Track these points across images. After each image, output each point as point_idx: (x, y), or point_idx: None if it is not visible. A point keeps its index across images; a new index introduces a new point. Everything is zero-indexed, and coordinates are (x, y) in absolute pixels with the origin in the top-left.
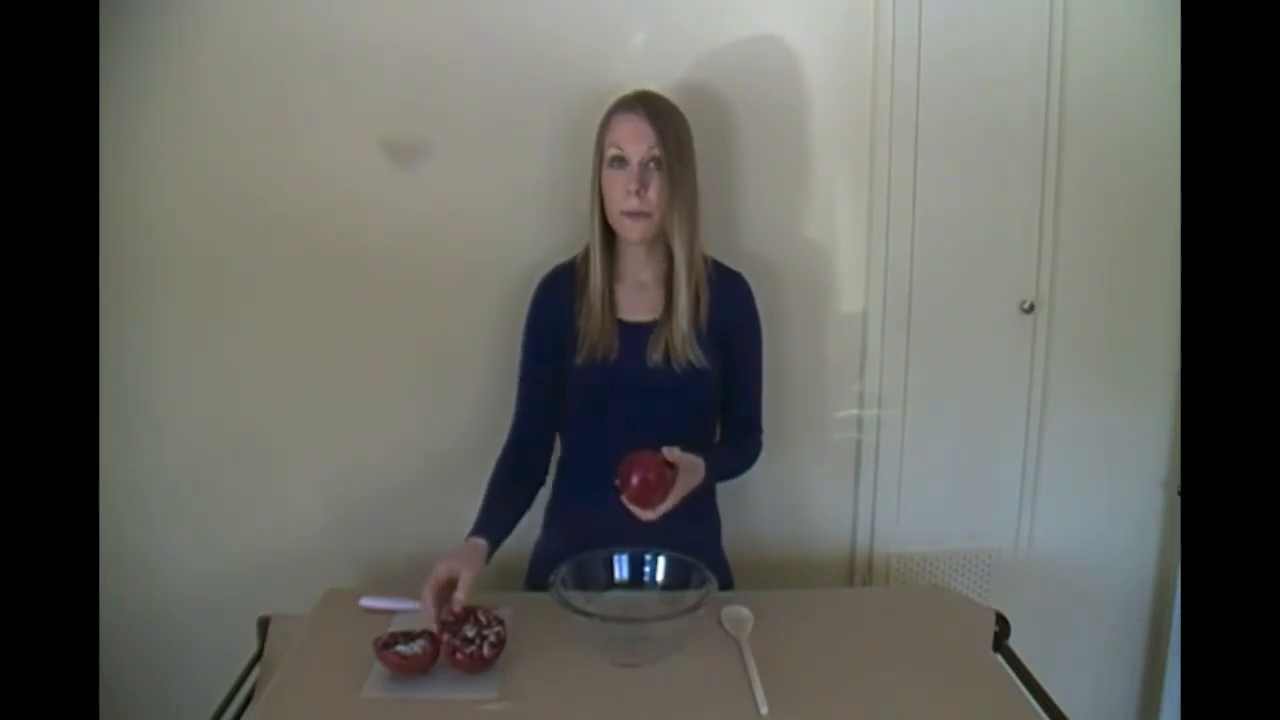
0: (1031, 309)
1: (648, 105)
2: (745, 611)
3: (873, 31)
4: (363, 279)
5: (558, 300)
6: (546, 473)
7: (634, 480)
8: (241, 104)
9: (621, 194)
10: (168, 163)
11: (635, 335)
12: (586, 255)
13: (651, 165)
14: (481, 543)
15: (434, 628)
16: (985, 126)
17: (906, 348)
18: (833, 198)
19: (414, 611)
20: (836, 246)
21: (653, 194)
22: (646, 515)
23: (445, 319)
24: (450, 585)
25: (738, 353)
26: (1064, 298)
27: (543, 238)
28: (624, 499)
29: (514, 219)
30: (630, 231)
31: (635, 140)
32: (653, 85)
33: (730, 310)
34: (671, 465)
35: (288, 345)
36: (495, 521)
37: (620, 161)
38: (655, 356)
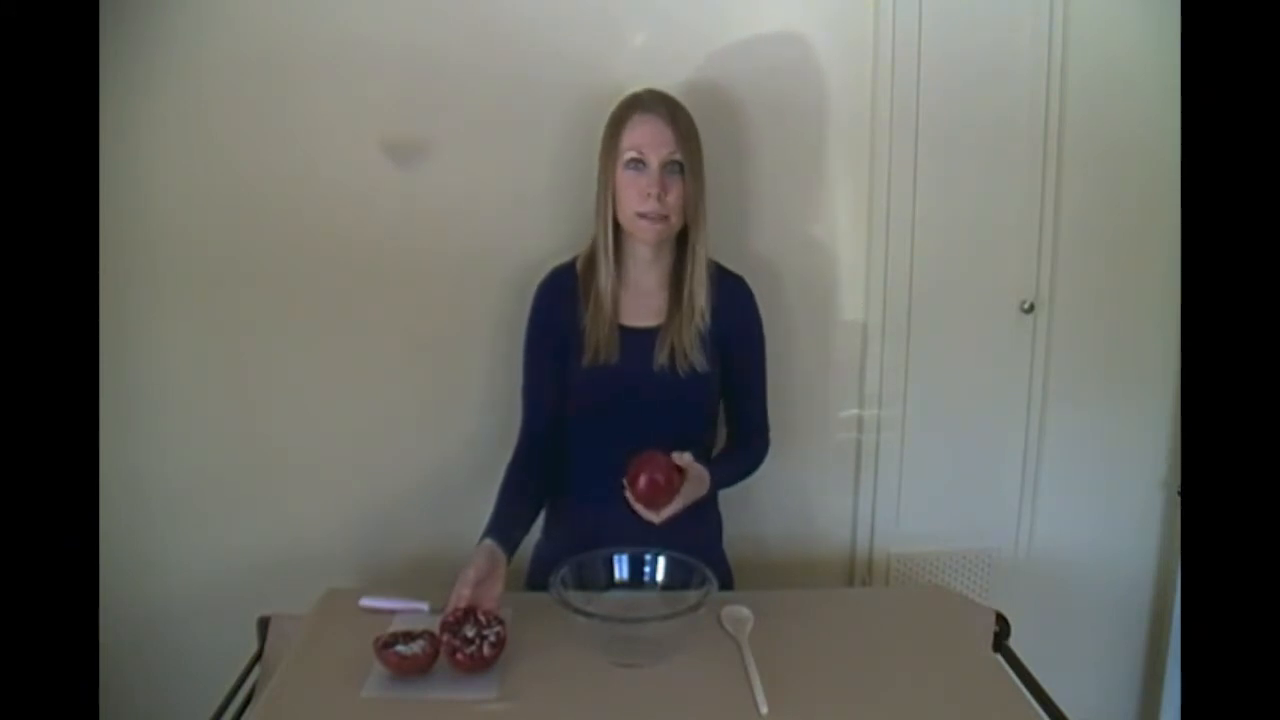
0: (1031, 309)
1: (668, 107)
2: (745, 611)
3: (873, 31)
4: (364, 279)
5: (559, 304)
6: (558, 475)
7: (642, 481)
8: (243, 104)
9: (639, 196)
10: (168, 162)
11: (637, 340)
12: (589, 256)
13: (671, 168)
14: (494, 544)
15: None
16: (985, 126)
17: (906, 348)
18: (833, 197)
19: (414, 611)
20: (837, 246)
21: (672, 197)
22: (651, 517)
23: (447, 320)
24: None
25: (740, 356)
26: (1064, 298)
27: (547, 238)
28: (630, 498)
29: (517, 219)
30: (645, 233)
31: (656, 143)
32: (653, 85)
33: (732, 313)
34: (680, 470)
35: (289, 346)
36: (512, 523)
37: (638, 164)
38: (661, 360)
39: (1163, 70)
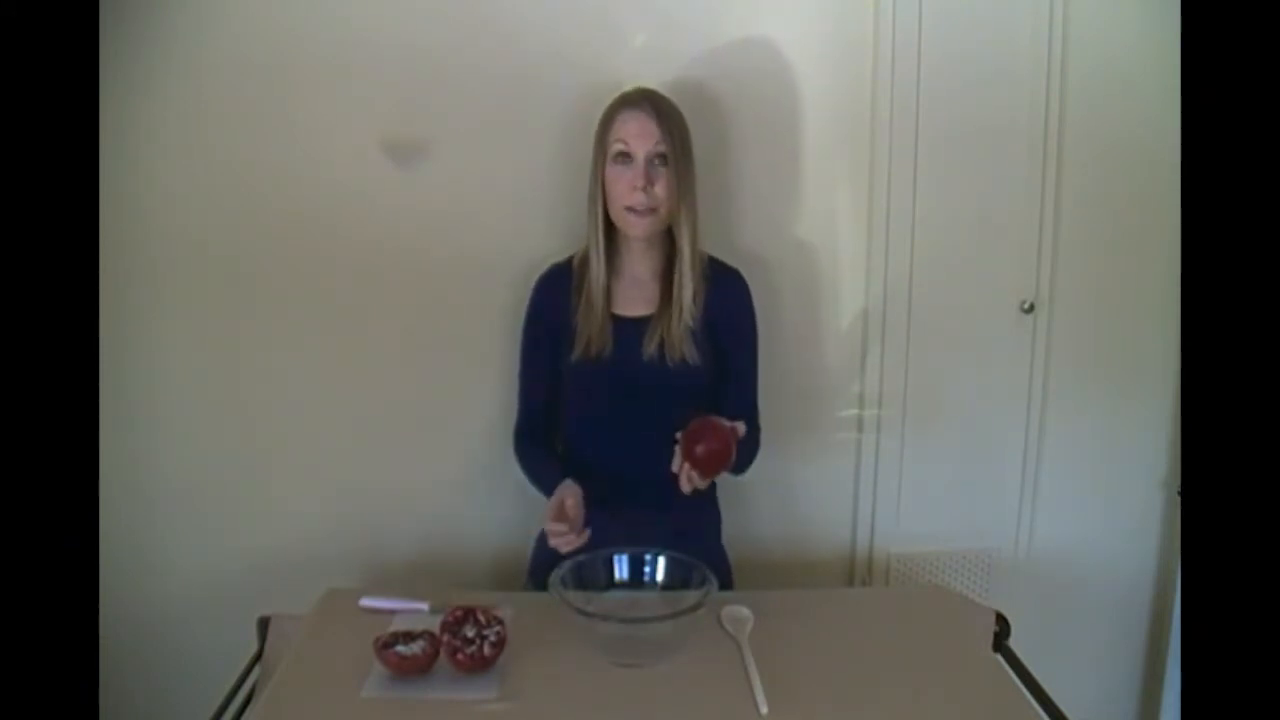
0: (1031, 309)
1: (653, 102)
2: (745, 611)
3: (873, 31)
4: (364, 278)
5: (556, 299)
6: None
7: (700, 449)
8: (243, 104)
9: (626, 189)
10: (168, 161)
11: (629, 330)
12: (585, 253)
13: (657, 162)
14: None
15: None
16: (985, 126)
17: (906, 348)
18: (833, 197)
19: (414, 611)
20: (836, 246)
21: (659, 190)
22: (696, 484)
23: (447, 320)
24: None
25: (734, 349)
26: (1064, 298)
27: (545, 237)
28: (684, 459)
29: (516, 218)
30: (634, 227)
31: (642, 137)
32: (653, 84)
33: (727, 306)
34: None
35: (288, 345)
36: (560, 471)
37: (625, 157)
38: (650, 351)
39: (1163, 70)
